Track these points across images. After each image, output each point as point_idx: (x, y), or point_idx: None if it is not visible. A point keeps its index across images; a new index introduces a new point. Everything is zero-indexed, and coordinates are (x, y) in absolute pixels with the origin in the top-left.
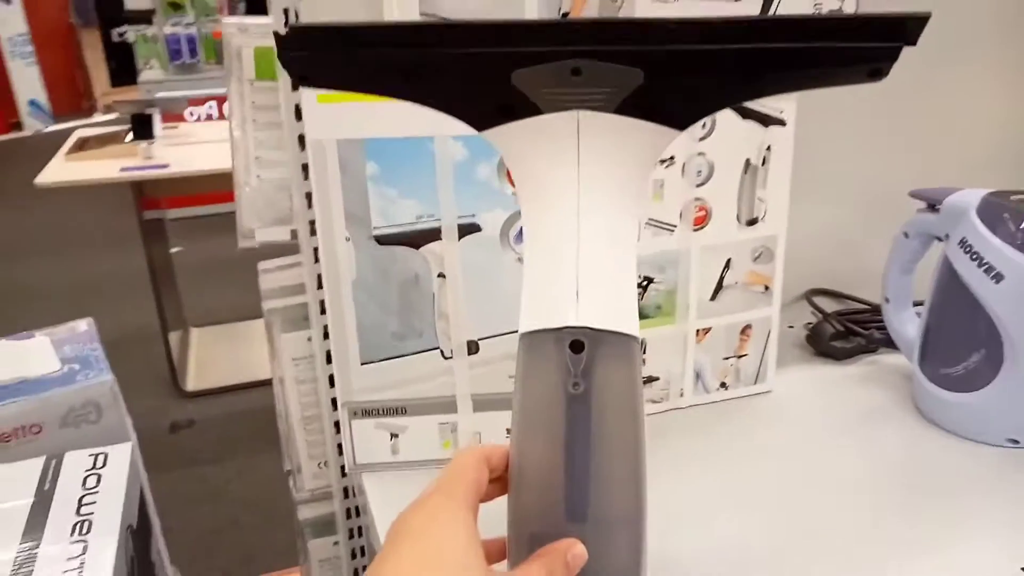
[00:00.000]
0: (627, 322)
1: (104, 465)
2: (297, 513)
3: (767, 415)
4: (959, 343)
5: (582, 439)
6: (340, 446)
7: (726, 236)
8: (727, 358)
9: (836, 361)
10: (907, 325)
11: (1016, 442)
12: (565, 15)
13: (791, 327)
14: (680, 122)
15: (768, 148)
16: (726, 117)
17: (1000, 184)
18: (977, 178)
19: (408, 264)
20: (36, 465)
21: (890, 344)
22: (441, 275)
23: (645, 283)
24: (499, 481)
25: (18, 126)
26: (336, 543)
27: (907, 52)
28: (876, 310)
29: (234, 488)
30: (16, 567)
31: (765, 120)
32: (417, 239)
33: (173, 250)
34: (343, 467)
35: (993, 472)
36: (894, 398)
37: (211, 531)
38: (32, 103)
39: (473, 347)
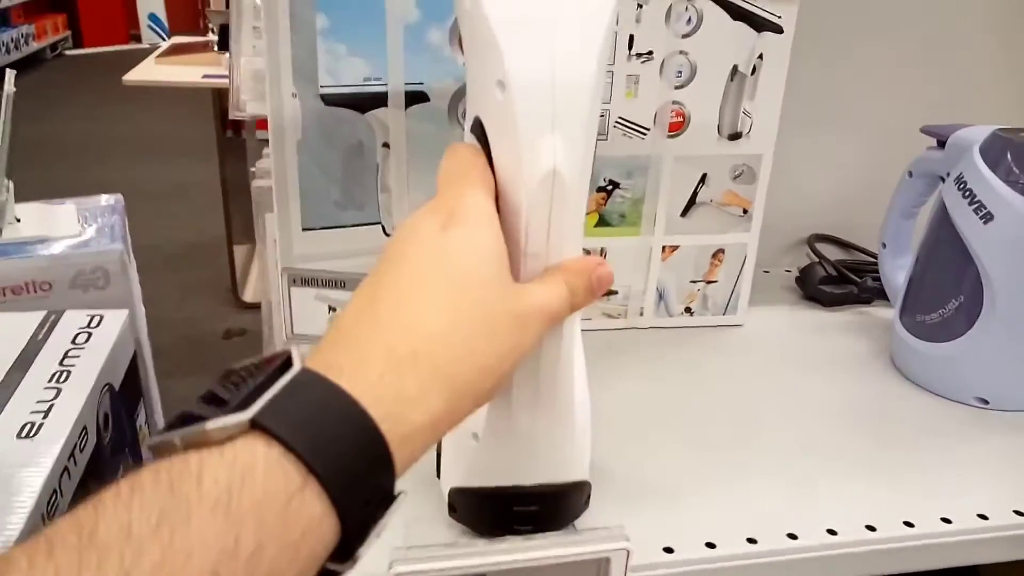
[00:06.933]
0: None
1: (98, 326)
2: None
3: (731, 348)
4: (940, 289)
5: None
6: None
7: (704, 148)
8: (695, 282)
9: (822, 307)
10: (899, 273)
11: (985, 402)
12: None
13: (788, 271)
14: None
15: (760, 56)
16: (714, 15)
17: None
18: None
19: (353, 129)
20: (36, 317)
21: (884, 296)
22: (386, 144)
23: (610, 187)
24: None
25: (137, 38)
26: None
27: None
28: None
29: None
30: None
31: (758, 24)
32: (363, 102)
33: (252, 168)
34: None
35: (958, 430)
36: (872, 349)
37: None
38: (152, 17)
39: None
